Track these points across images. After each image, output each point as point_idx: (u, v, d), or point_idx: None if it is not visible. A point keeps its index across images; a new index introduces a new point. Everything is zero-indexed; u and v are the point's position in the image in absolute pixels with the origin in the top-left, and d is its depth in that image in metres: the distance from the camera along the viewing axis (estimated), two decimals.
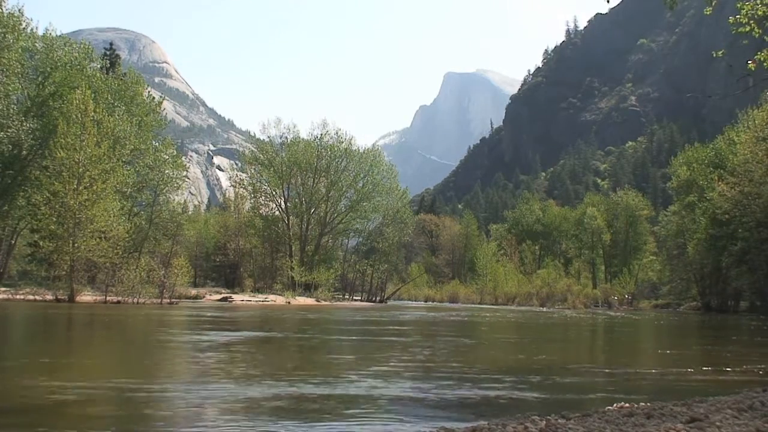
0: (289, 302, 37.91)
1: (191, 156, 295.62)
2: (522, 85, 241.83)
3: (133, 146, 35.41)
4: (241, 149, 78.27)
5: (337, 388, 6.64)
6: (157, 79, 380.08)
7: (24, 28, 33.53)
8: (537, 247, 78.94)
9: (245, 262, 54.98)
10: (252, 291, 46.47)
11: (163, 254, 37.30)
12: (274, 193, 54.29)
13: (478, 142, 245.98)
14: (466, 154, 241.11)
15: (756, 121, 38.99)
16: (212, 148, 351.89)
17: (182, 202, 61.95)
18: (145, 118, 38.66)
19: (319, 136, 53.30)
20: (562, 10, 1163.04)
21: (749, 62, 9.57)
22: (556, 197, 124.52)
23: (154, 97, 42.62)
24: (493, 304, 58.09)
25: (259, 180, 54.30)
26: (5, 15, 31.99)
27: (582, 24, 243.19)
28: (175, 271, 30.19)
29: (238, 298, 37.20)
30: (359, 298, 55.08)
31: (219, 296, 37.71)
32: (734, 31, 9.49)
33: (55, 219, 27.25)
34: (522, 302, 58.02)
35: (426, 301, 67.44)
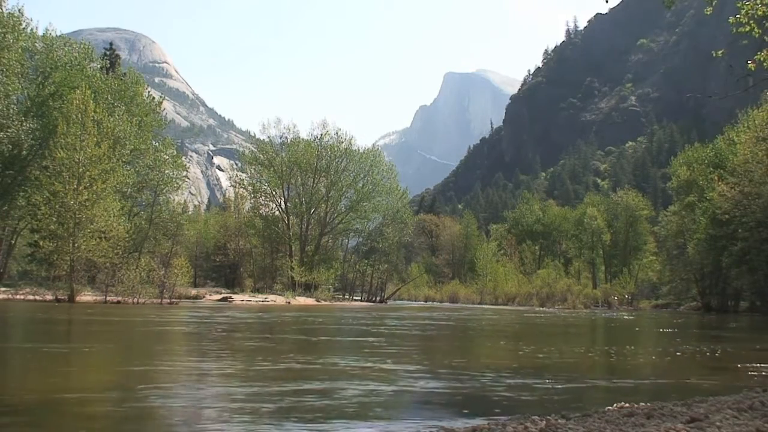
0: (289, 302, 37.92)
1: (191, 156, 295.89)
2: (522, 85, 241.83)
3: (133, 146, 35.43)
4: (241, 149, 78.20)
5: (337, 387, 6.63)
6: (157, 79, 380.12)
7: (24, 28, 33.57)
8: (537, 247, 78.89)
9: (245, 262, 55.01)
10: (252, 291, 46.48)
11: (163, 254, 37.31)
12: (274, 193, 54.32)
13: (478, 142, 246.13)
14: (466, 154, 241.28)
15: (756, 121, 39.00)
16: (212, 148, 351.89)
17: (182, 202, 62.01)
18: (145, 118, 38.68)
19: (319, 136, 53.41)
20: (562, 10, 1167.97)
21: (749, 62, 9.56)
22: (556, 197, 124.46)
23: (154, 97, 42.63)
24: (493, 304, 58.08)
25: (259, 180, 54.34)
26: (5, 15, 32.01)
27: (582, 24, 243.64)
28: (175, 271, 30.20)
29: (238, 298, 37.20)
30: (359, 298, 55.12)
31: (219, 296, 37.71)
32: (734, 31, 9.48)
33: (55, 219, 27.26)
34: (522, 302, 57.99)
35: (426, 301, 67.39)
